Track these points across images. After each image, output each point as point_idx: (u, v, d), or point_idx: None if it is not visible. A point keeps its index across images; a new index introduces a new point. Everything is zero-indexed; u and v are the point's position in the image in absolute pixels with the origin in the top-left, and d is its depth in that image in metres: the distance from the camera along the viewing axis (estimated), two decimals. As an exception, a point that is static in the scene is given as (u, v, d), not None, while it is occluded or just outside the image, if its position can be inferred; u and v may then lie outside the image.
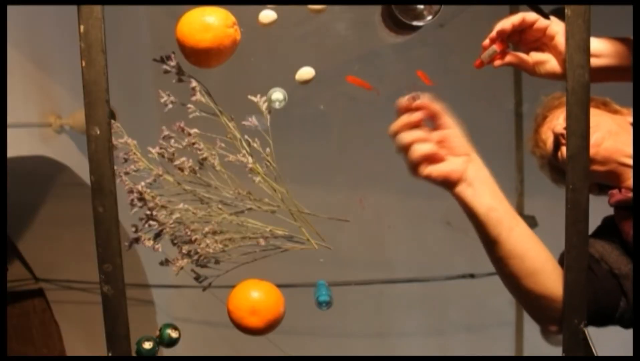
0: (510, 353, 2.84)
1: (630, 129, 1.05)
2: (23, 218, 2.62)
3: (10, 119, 1.77)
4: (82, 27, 0.73)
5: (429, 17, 0.94)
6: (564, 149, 1.07)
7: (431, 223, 2.85)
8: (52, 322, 2.99)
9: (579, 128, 0.77)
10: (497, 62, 0.90)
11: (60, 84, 2.12)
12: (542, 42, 0.89)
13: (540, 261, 0.82)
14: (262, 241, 0.87)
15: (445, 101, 0.91)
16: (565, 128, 0.79)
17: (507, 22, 0.88)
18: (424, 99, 0.79)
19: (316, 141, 2.69)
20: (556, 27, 0.86)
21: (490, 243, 0.81)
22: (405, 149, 0.78)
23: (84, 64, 0.73)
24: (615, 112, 1.11)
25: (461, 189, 0.79)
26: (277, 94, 0.88)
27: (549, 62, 0.89)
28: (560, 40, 0.85)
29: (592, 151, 0.95)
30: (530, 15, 0.87)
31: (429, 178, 0.78)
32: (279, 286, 0.87)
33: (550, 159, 1.14)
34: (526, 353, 2.81)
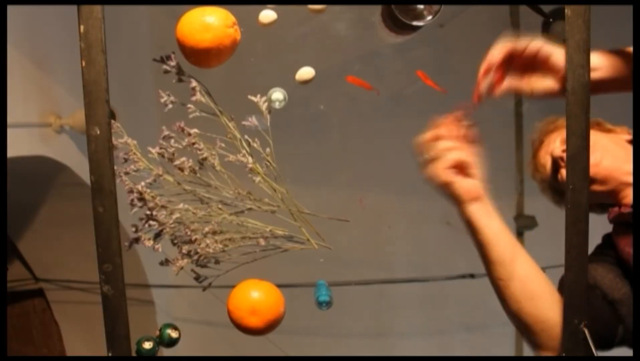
0: (510, 353, 2.84)
1: (627, 147, 1.05)
2: (23, 218, 2.62)
3: (10, 119, 1.77)
4: (82, 27, 0.73)
5: (429, 17, 0.94)
6: (563, 171, 1.08)
7: (431, 223, 2.85)
8: (52, 322, 2.99)
9: (578, 128, 0.77)
10: (498, 92, 0.88)
11: (60, 84, 2.12)
12: (536, 63, 0.86)
13: (539, 286, 0.84)
14: (262, 241, 0.87)
15: (446, 101, 0.91)
16: (565, 148, 0.79)
17: (496, 56, 0.85)
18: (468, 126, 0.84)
19: (316, 141, 2.69)
20: (548, 48, 0.83)
21: (494, 263, 0.84)
22: (439, 153, 0.82)
23: (84, 64, 0.73)
24: (608, 131, 1.11)
25: (476, 207, 0.83)
26: (277, 94, 0.88)
27: (545, 82, 0.86)
28: (556, 59, 0.82)
29: (592, 171, 0.96)
30: (519, 45, 0.84)
31: (449, 185, 0.82)
32: (279, 286, 0.87)
33: (550, 182, 1.14)
34: (526, 353, 2.81)
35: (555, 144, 1.11)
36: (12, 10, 1.68)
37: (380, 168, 2.66)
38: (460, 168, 0.83)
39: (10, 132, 1.74)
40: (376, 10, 1.00)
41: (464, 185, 0.82)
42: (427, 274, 2.79)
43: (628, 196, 0.99)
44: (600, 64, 0.85)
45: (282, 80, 0.91)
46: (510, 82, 0.88)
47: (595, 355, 0.78)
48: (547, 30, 2.39)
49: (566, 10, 0.75)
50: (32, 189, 2.42)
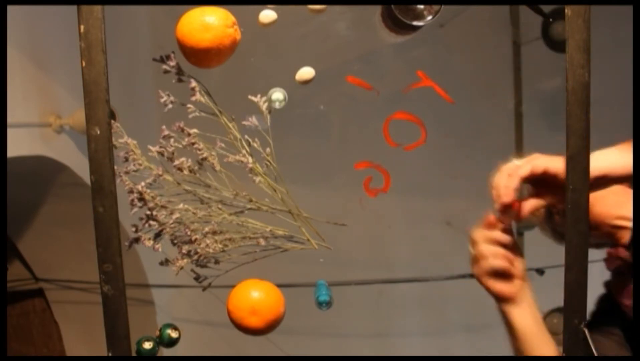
0: (511, 353, 2.84)
1: (617, 190, 1.03)
2: (23, 218, 2.62)
3: (10, 119, 1.77)
4: (82, 27, 0.73)
5: (429, 17, 0.94)
6: (557, 217, 1.09)
7: (431, 223, 2.85)
8: (52, 322, 2.99)
9: (579, 128, 0.77)
10: (523, 215, 0.87)
11: (60, 84, 2.12)
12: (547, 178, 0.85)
13: None
14: (262, 241, 0.87)
15: (446, 101, 0.91)
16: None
17: (507, 193, 0.84)
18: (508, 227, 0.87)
19: (316, 141, 2.70)
20: (552, 165, 0.82)
21: (521, 356, 0.88)
22: (483, 257, 0.86)
23: (84, 64, 0.73)
24: None
25: (510, 308, 0.87)
26: (277, 94, 0.88)
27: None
28: (553, 170, 0.82)
29: (596, 221, 0.99)
30: (521, 170, 0.83)
31: (487, 286, 0.88)
32: (279, 286, 0.87)
33: (549, 225, 1.13)
34: (526, 353, 2.80)
35: None
36: (12, 10, 1.67)
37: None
38: (500, 272, 0.87)
39: (11, 132, 1.74)
40: (376, 10, 1.00)
41: (500, 288, 0.87)
42: (427, 274, 2.79)
43: (623, 237, 1.00)
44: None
45: (282, 80, 0.91)
46: (530, 202, 0.87)
47: (596, 354, 0.78)
48: (547, 30, 2.39)
49: (566, 10, 0.75)
50: (32, 189, 2.42)
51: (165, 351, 0.86)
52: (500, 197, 0.85)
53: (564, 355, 0.78)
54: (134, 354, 0.79)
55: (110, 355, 0.76)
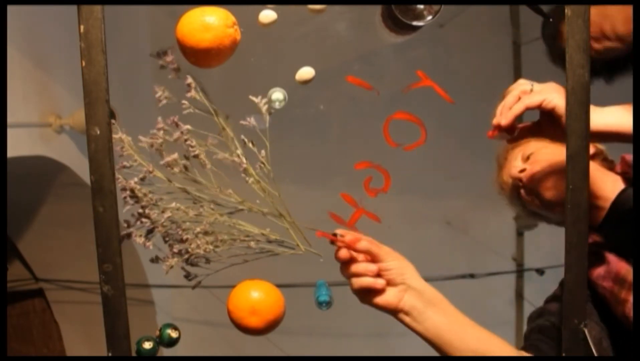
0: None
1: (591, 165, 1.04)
2: (23, 218, 2.62)
3: (10, 119, 1.77)
4: (82, 27, 0.73)
5: (429, 17, 0.94)
6: (522, 192, 1.09)
7: (431, 223, 2.85)
8: (52, 322, 2.99)
9: (579, 128, 0.77)
10: (511, 139, 0.91)
11: (60, 84, 2.12)
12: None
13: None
14: (253, 244, 0.87)
15: (445, 100, 0.91)
16: (523, 168, 0.82)
17: (511, 117, 0.88)
18: (349, 238, 0.84)
19: (316, 141, 2.69)
20: (553, 100, 0.85)
21: (445, 356, 0.86)
22: (355, 287, 0.86)
23: (84, 64, 0.73)
24: None
25: (402, 317, 0.87)
26: (277, 94, 0.88)
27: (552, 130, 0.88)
28: (559, 110, 0.84)
29: (556, 195, 1.00)
30: (532, 99, 0.86)
31: (373, 305, 0.87)
32: (279, 286, 0.87)
33: (519, 200, 1.13)
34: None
35: (516, 162, 1.11)
36: (12, 11, 1.67)
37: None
38: (371, 289, 0.85)
39: (10, 132, 1.74)
40: (376, 10, 1.00)
41: (378, 303, 0.86)
42: (427, 274, 2.79)
43: (593, 217, 0.99)
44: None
45: (282, 80, 0.91)
46: (526, 129, 0.92)
47: (595, 355, 0.78)
48: (546, 30, 2.39)
49: (566, 10, 0.75)
50: (32, 189, 2.42)
51: (165, 351, 0.86)
52: (501, 116, 0.88)
53: (563, 355, 0.78)
54: (134, 354, 0.79)
55: (110, 355, 0.76)
